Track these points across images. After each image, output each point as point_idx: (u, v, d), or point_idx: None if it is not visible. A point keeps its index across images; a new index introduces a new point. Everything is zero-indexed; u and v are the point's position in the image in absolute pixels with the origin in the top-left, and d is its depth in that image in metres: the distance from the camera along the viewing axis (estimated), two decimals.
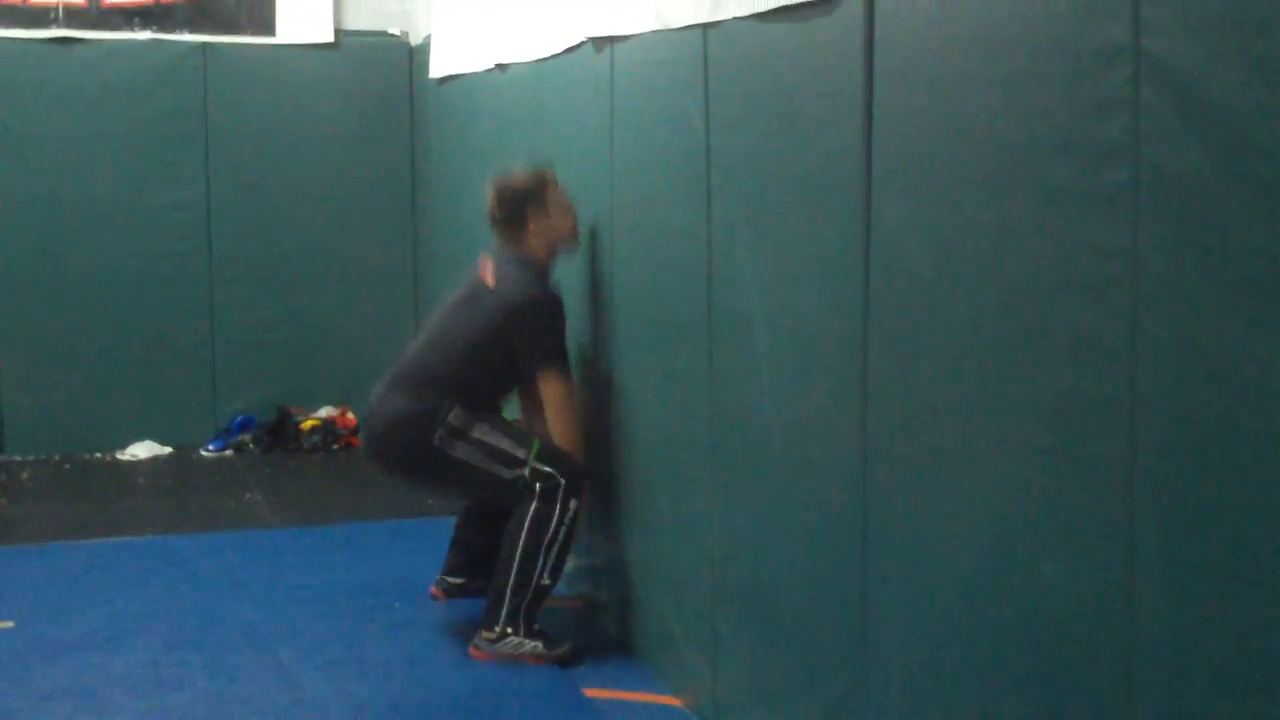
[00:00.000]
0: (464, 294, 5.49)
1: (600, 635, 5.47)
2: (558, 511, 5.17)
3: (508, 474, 5.20)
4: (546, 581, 5.22)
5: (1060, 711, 2.82)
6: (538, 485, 5.17)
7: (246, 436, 8.87)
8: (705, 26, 4.37)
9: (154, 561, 6.54)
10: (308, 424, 8.91)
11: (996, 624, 3.03)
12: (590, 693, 4.98)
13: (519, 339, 5.28)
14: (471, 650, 5.28)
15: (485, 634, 5.24)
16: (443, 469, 5.28)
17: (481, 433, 5.23)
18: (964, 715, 3.17)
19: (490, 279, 5.39)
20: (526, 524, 5.17)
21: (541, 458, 5.21)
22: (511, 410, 5.57)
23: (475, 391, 5.31)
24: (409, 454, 5.33)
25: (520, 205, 5.40)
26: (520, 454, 5.21)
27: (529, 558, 5.17)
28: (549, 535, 5.17)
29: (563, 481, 5.18)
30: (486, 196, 5.49)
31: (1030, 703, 2.92)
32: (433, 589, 5.95)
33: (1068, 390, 2.75)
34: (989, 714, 3.07)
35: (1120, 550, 2.62)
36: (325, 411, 9.05)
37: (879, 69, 3.42)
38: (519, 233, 5.42)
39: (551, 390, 5.30)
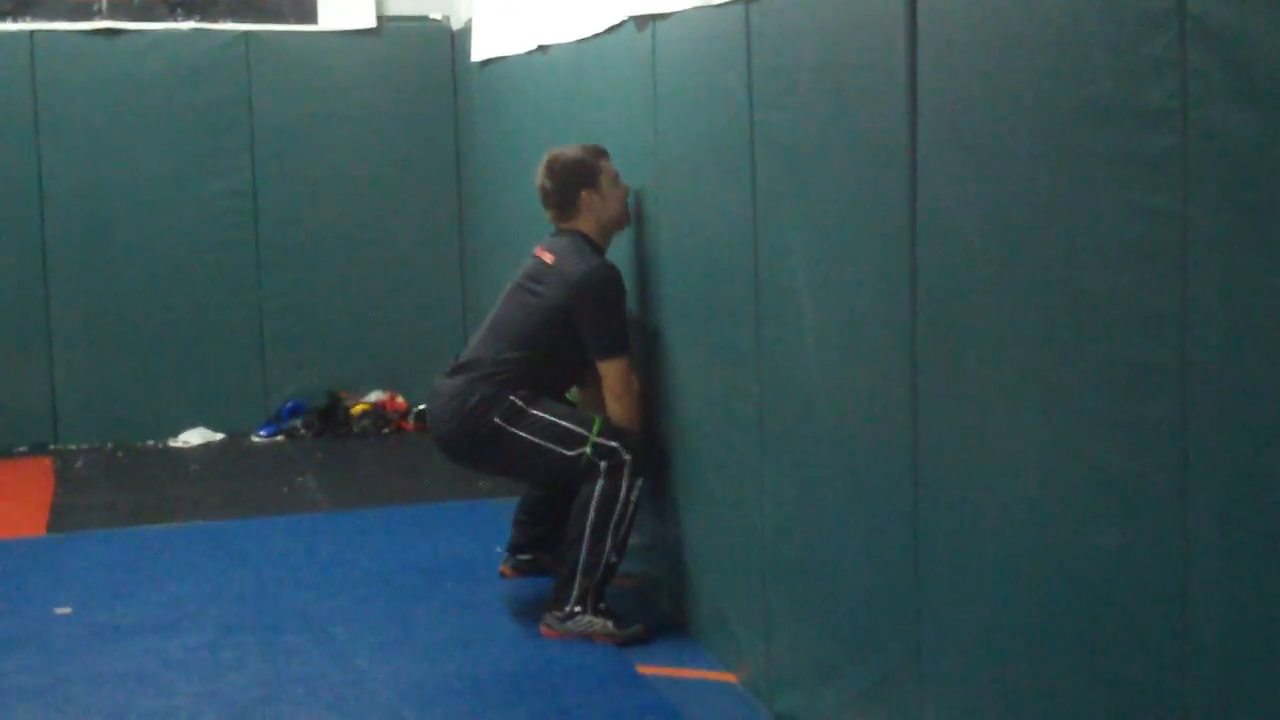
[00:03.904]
0: (524, 277, 5.49)
1: (654, 613, 5.48)
2: (624, 489, 5.20)
3: (570, 452, 5.22)
4: (614, 559, 5.26)
5: (1114, 680, 2.81)
6: (602, 463, 5.19)
7: (297, 422, 8.93)
8: (747, 1, 4.36)
9: (208, 546, 6.60)
10: (358, 408, 8.96)
11: (1049, 593, 3.02)
12: (644, 670, 5.00)
13: (581, 318, 5.29)
14: (543, 628, 5.31)
15: (555, 612, 5.28)
16: (507, 449, 5.29)
17: (542, 410, 5.26)
18: (1017, 685, 3.16)
19: (549, 257, 5.40)
20: (594, 503, 5.20)
21: (604, 434, 5.23)
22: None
23: (540, 375, 5.32)
24: (473, 436, 5.32)
25: (573, 182, 5.41)
26: (582, 431, 5.23)
27: (598, 537, 5.20)
28: (617, 513, 5.21)
29: (627, 458, 5.21)
30: (538, 175, 5.50)
31: (1084, 672, 2.91)
32: (502, 567, 5.99)
33: (1118, 358, 2.73)
34: (1042, 683, 3.06)
35: (1173, 517, 2.61)
36: (375, 396, 9.10)
37: (922, 39, 3.40)
38: (572, 211, 5.43)
39: (612, 373, 5.31)
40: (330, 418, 8.94)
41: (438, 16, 9.20)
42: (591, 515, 5.20)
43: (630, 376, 5.35)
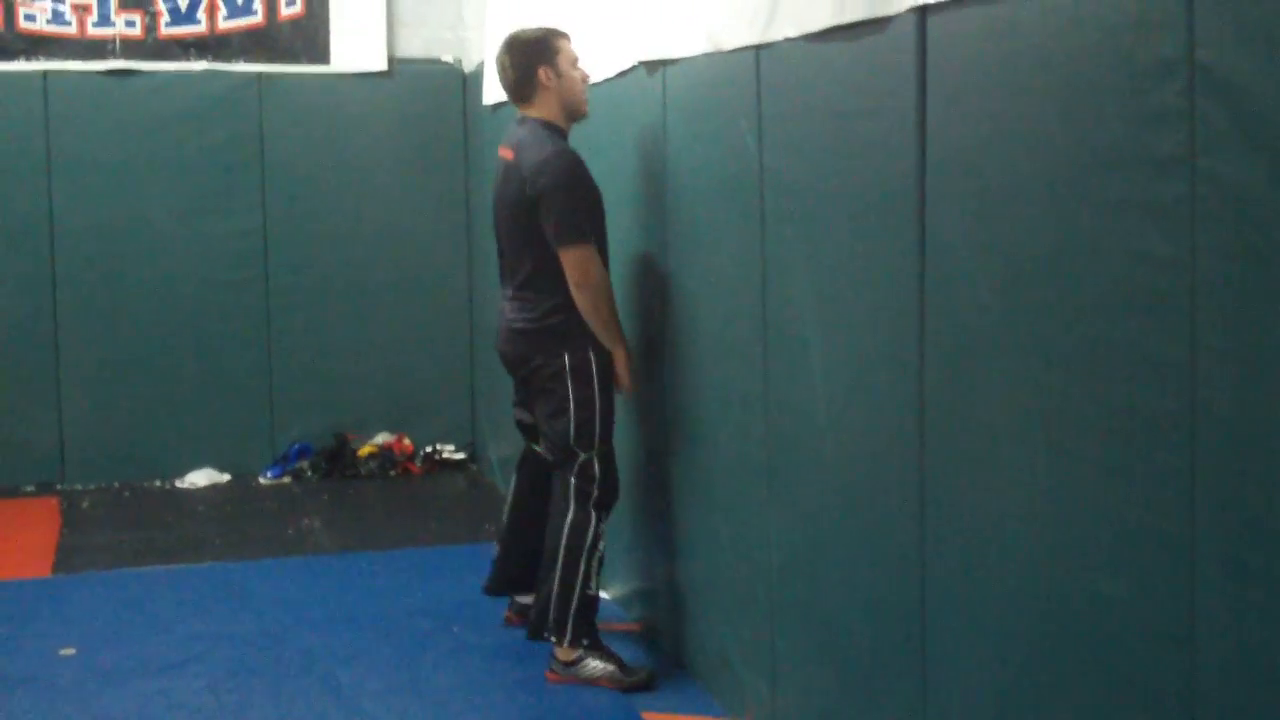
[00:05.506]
0: (497, 183, 5.44)
1: (658, 658, 5.46)
2: (593, 520, 5.25)
3: (574, 435, 5.21)
4: (591, 592, 5.26)
5: None
6: (573, 481, 5.23)
7: (304, 463, 8.91)
8: (757, 48, 4.37)
9: (213, 588, 6.58)
10: (365, 451, 8.94)
11: (1056, 641, 3.00)
12: (648, 716, 4.98)
13: (541, 206, 5.16)
14: (547, 674, 5.30)
15: (557, 653, 5.27)
16: (552, 386, 5.25)
17: (596, 390, 5.22)
18: None
19: (510, 154, 5.34)
20: (565, 530, 5.24)
21: (599, 458, 5.24)
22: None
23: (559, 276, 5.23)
24: (541, 350, 5.26)
25: (531, 61, 5.31)
26: (595, 438, 5.23)
27: (572, 561, 5.23)
28: (589, 541, 5.23)
29: (596, 493, 5.25)
30: (498, 55, 5.42)
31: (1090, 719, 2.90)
32: (507, 614, 5.95)
33: (1126, 404, 2.73)
34: None
35: (1181, 565, 2.60)
36: (382, 438, 9.08)
37: (931, 87, 3.41)
38: (530, 91, 5.34)
39: (571, 262, 5.16)
40: (337, 460, 8.93)
41: (449, 59, 9.22)
42: (564, 540, 5.24)
43: (591, 266, 5.17)
